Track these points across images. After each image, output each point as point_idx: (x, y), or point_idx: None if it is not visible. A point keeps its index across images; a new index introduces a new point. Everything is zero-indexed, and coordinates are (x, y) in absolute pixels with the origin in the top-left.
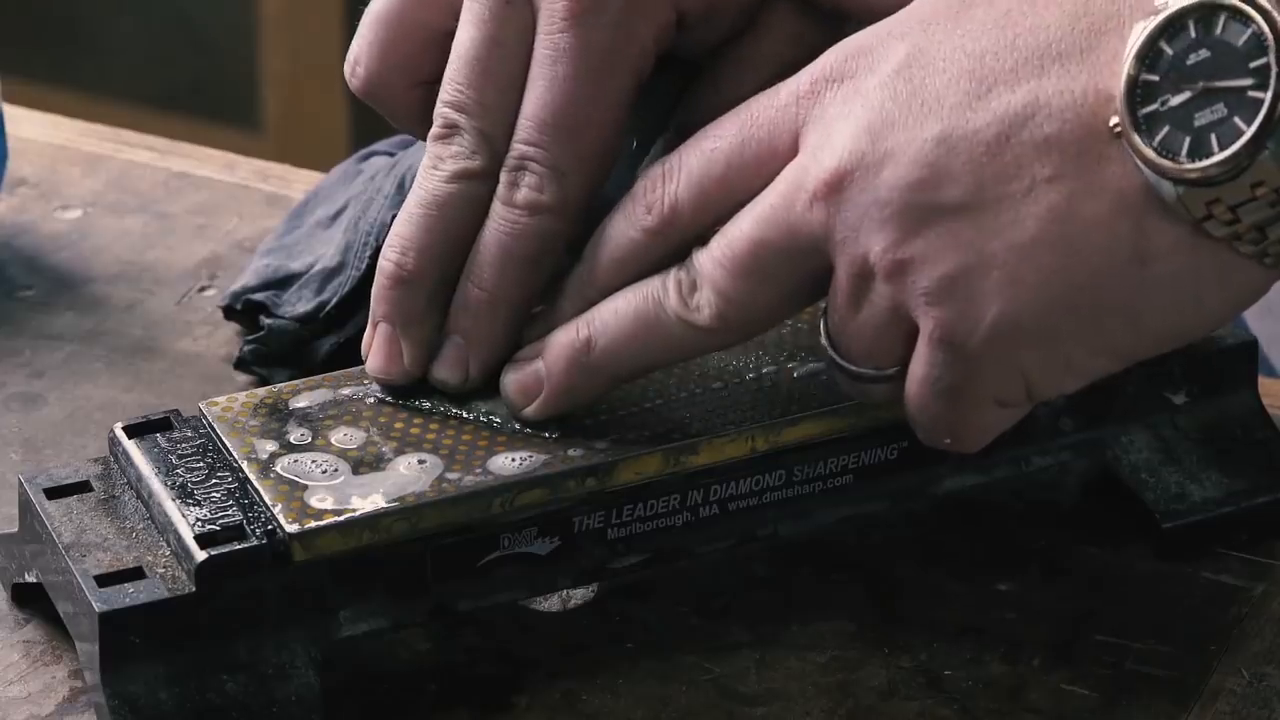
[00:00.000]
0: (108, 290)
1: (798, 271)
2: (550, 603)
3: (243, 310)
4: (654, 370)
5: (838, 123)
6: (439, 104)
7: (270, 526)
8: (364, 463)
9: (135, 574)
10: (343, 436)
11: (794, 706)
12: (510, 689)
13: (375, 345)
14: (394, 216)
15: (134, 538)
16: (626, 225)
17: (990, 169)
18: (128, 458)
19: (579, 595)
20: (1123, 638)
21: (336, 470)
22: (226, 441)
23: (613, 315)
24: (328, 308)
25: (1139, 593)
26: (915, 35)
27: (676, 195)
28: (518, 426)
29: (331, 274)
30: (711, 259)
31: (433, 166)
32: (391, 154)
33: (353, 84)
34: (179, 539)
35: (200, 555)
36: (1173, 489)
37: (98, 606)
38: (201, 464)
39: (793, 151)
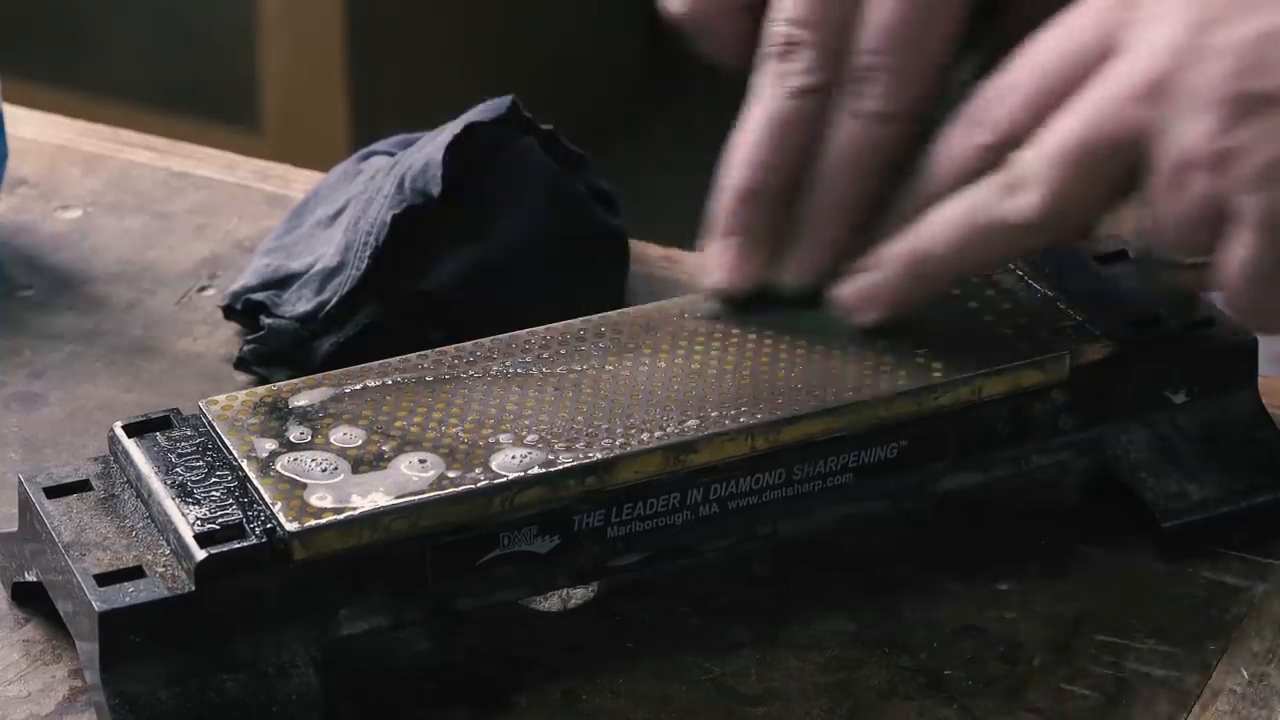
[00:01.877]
0: (108, 290)
1: (1120, 166)
2: (550, 602)
3: (243, 310)
4: (988, 270)
5: (1157, 22)
6: (777, 22)
7: (270, 525)
8: (364, 461)
9: (135, 573)
10: (342, 435)
11: (794, 706)
12: (510, 689)
13: (724, 259)
14: (394, 216)
15: (134, 537)
16: (964, 141)
17: None
18: (127, 456)
19: (579, 595)
20: (1123, 638)
21: (336, 469)
22: (226, 440)
23: (944, 224)
24: (328, 307)
25: (1139, 593)
26: None
27: (1013, 113)
28: (847, 334)
29: (331, 274)
30: (1037, 158)
31: (775, 83)
32: (391, 154)
33: (673, 6)
34: (179, 538)
35: (200, 554)
36: (1173, 488)
37: (97, 605)
38: (201, 463)
39: (1114, 53)
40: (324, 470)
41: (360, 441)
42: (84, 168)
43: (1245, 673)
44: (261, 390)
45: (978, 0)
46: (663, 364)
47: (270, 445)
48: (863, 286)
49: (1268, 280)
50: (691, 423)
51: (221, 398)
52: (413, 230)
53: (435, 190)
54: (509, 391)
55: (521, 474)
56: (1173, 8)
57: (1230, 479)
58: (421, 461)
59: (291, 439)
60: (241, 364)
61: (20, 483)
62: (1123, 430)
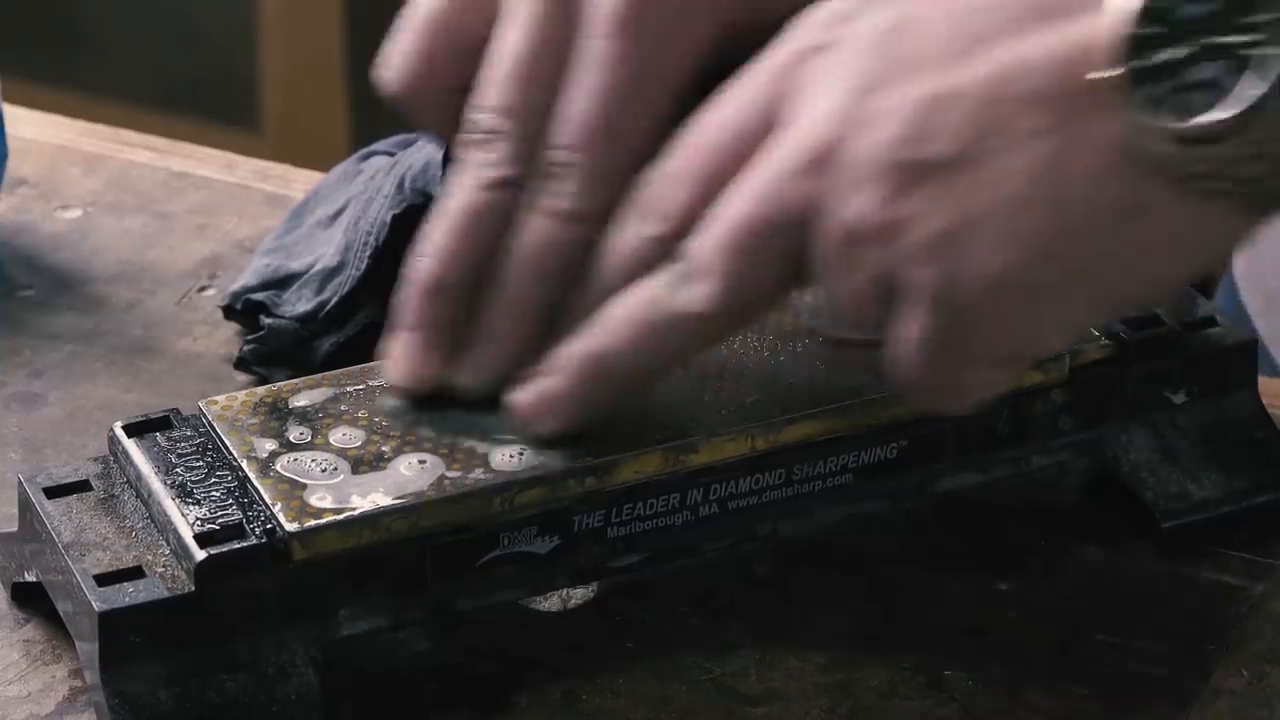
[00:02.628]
0: (108, 290)
1: (791, 245)
2: (550, 602)
3: (243, 310)
4: (662, 373)
5: (818, 90)
6: (478, 109)
7: (270, 525)
8: (364, 461)
9: (135, 573)
10: (342, 435)
11: (794, 706)
12: (510, 689)
13: (402, 353)
14: (394, 216)
15: (133, 537)
16: (634, 233)
17: (978, 125)
18: (127, 457)
19: (579, 595)
20: (1123, 638)
21: (336, 469)
22: (226, 440)
23: (618, 322)
24: (328, 307)
25: (1139, 593)
26: (900, 3)
27: (680, 198)
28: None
29: (331, 274)
30: (704, 246)
31: (471, 174)
32: (391, 154)
33: (386, 85)
34: (178, 538)
35: (200, 554)
36: (1172, 488)
37: (97, 606)
38: (201, 463)
39: (778, 125)
40: (324, 470)
41: (360, 442)
42: (84, 168)
43: (1245, 673)
44: (261, 390)
45: (692, 89)
46: None
47: (270, 445)
48: (539, 393)
49: (941, 358)
50: (691, 423)
51: (221, 398)
52: (413, 230)
53: (435, 190)
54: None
55: (521, 474)
56: (834, 75)
57: (1230, 479)
58: (421, 462)
59: (291, 439)
60: (241, 364)
61: (20, 483)
62: (1122, 430)
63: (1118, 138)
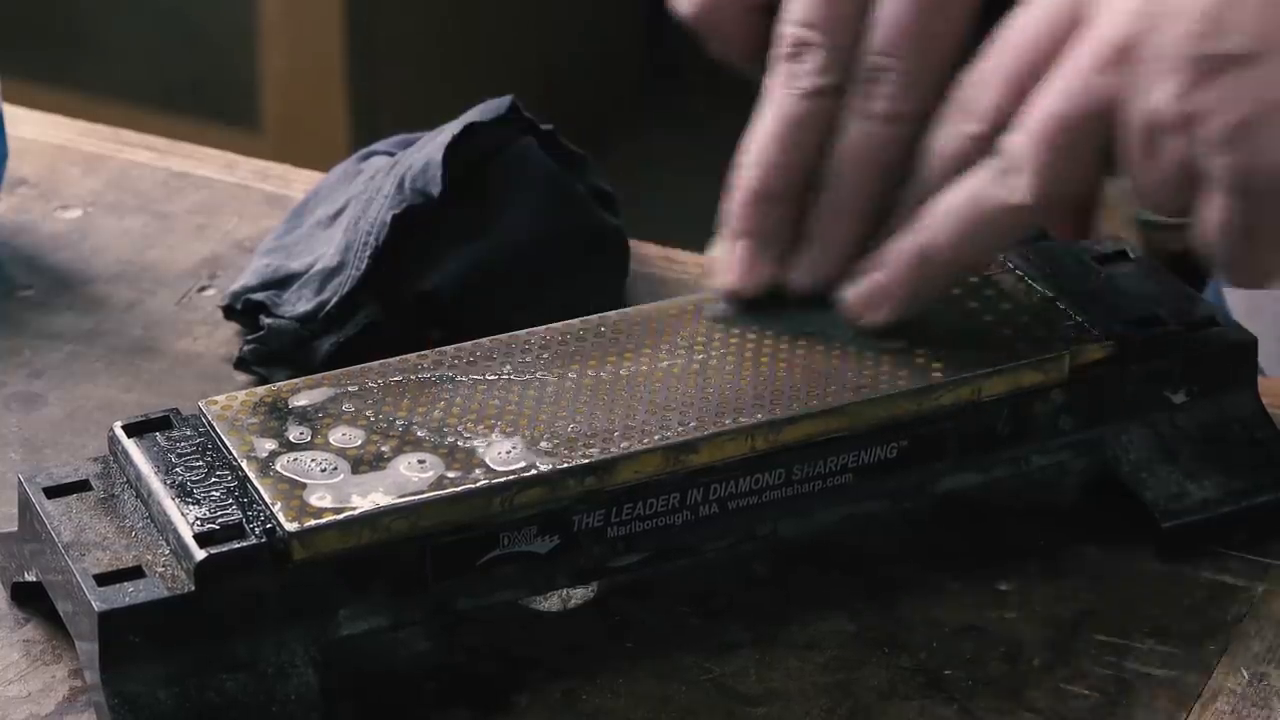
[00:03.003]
0: (108, 290)
1: (1100, 137)
2: (550, 602)
3: (242, 310)
4: (985, 263)
5: None
6: (788, 24)
7: (270, 525)
8: (363, 461)
9: (134, 573)
10: (342, 435)
11: (794, 706)
12: (510, 689)
13: (735, 260)
14: (394, 216)
15: (133, 537)
16: (954, 132)
17: (1272, 17)
18: (127, 456)
19: (579, 595)
20: (1123, 638)
21: (336, 469)
22: (226, 440)
23: (944, 217)
24: (328, 307)
25: (1139, 593)
26: None
27: (995, 98)
28: (847, 334)
29: (331, 273)
30: (1021, 141)
31: (786, 85)
32: (391, 154)
33: (682, 7)
34: (178, 538)
35: (200, 554)
36: (1172, 488)
37: (97, 606)
38: (201, 463)
39: (1081, 24)
40: (324, 470)
41: (360, 442)
42: (84, 168)
43: (1245, 673)
44: (261, 390)
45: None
46: (663, 364)
47: (270, 445)
48: (868, 287)
49: (1246, 238)
50: (691, 423)
51: (221, 398)
52: (413, 230)
53: (435, 190)
54: (509, 392)
55: (521, 474)
56: None
57: (1230, 479)
58: (421, 462)
59: (291, 439)
60: (241, 364)
61: (20, 483)
62: (1122, 430)
63: None
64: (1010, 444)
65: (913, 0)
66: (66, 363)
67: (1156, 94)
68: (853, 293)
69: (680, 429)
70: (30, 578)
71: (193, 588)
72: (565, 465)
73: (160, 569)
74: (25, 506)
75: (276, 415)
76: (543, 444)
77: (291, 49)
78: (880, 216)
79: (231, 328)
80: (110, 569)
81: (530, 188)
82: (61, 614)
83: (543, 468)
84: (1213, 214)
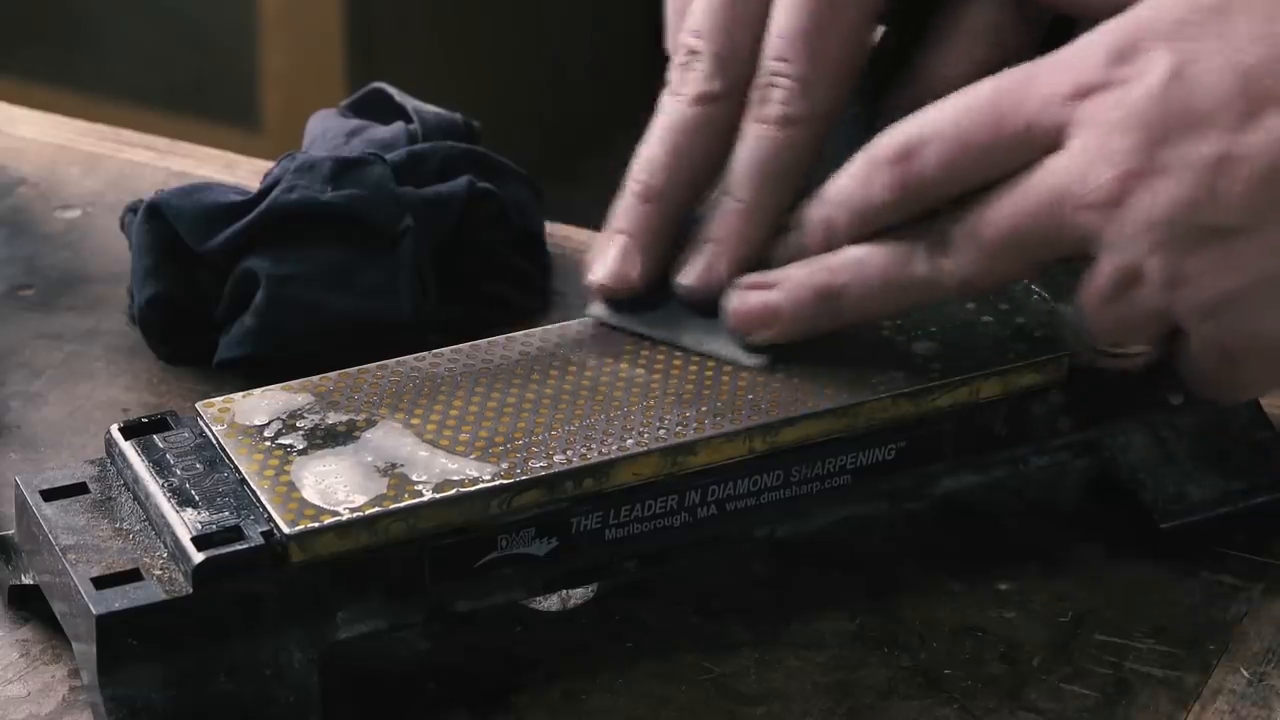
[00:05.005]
0: (107, 290)
1: (1053, 255)
2: (550, 602)
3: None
4: (891, 318)
5: (1112, 132)
6: (681, 32)
7: (268, 527)
8: (362, 463)
9: (132, 575)
10: (340, 437)
11: (794, 706)
12: (510, 689)
13: (610, 256)
14: (332, 162)
15: (131, 539)
16: (871, 178)
17: (1263, 193)
18: (124, 459)
19: (579, 595)
20: (1123, 638)
21: (334, 470)
22: (223, 442)
23: (858, 266)
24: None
25: (1139, 593)
26: (1177, 41)
27: (927, 160)
28: (726, 356)
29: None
30: (968, 234)
31: (674, 92)
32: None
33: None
34: (176, 540)
35: (198, 556)
36: (1170, 489)
37: (95, 609)
38: (199, 465)
39: (1054, 145)
40: (322, 472)
41: (359, 443)
42: (84, 167)
43: (1245, 673)
44: (258, 392)
45: (892, 6)
46: (660, 366)
47: (268, 447)
48: (760, 304)
49: (1223, 385)
50: (689, 425)
51: (219, 399)
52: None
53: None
54: (507, 393)
55: (519, 476)
56: (1121, 119)
57: (1228, 480)
58: (419, 463)
59: (289, 441)
60: (227, 363)
61: (17, 485)
62: (1120, 431)
63: None
64: (1009, 445)
65: (806, 6)
66: (66, 363)
67: (1144, 251)
68: (741, 304)
69: (678, 431)
70: (28, 580)
71: (190, 590)
72: (563, 467)
73: (158, 571)
74: (22, 509)
75: (274, 417)
76: (541, 446)
77: (291, 48)
78: (777, 225)
79: None
80: (108, 572)
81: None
82: (59, 616)
83: (540, 470)
84: (1192, 364)
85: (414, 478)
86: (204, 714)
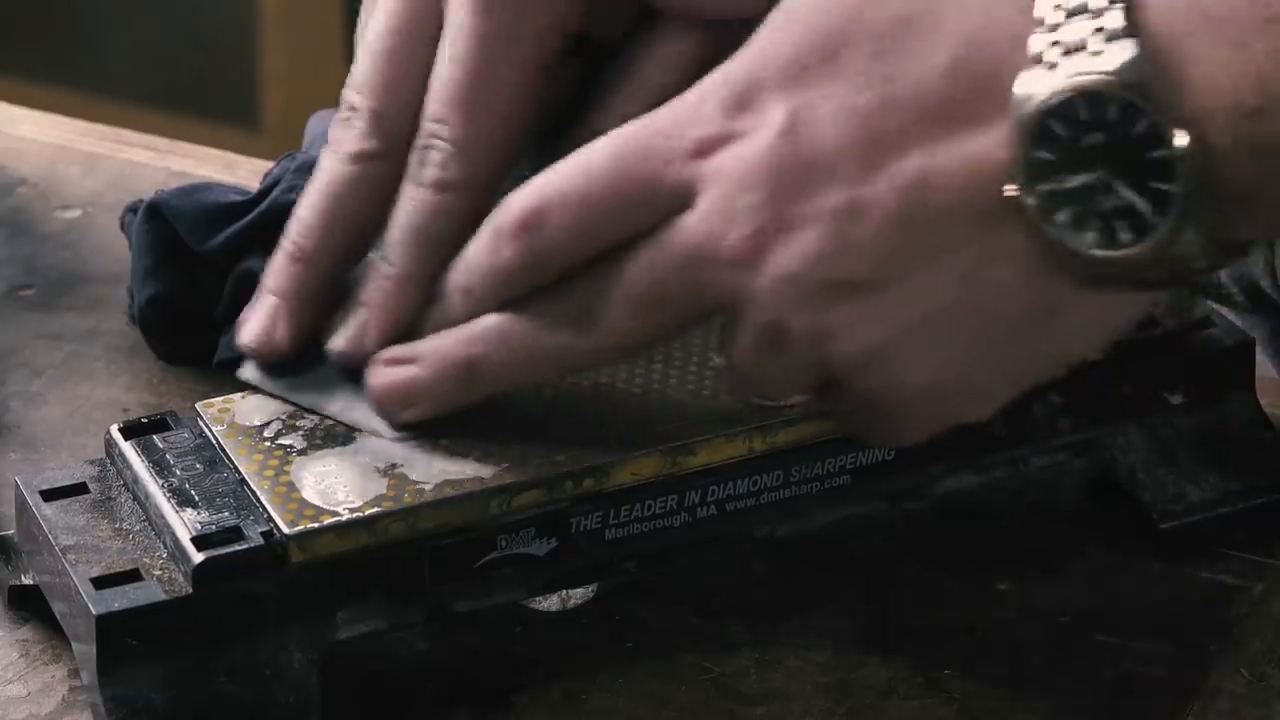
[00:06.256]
0: (107, 290)
1: (698, 312)
2: (550, 602)
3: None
4: (534, 384)
5: (738, 189)
6: (346, 88)
7: (268, 528)
8: (361, 464)
9: (132, 576)
10: (340, 438)
11: (794, 706)
12: (510, 689)
13: (256, 315)
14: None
15: (130, 539)
16: (499, 248)
17: (895, 241)
18: (124, 459)
19: (579, 595)
20: (1123, 638)
21: (334, 471)
22: (223, 442)
23: (497, 336)
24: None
25: (1139, 593)
26: (793, 87)
27: (552, 226)
28: (370, 429)
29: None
30: (606, 299)
31: (332, 150)
32: None
33: None
34: (176, 540)
35: (198, 557)
36: (1170, 489)
37: (94, 609)
38: (198, 465)
39: (683, 203)
40: (322, 472)
41: (358, 444)
42: (84, 167)
43: (1245, 673)
44: (258, 392)
45: (561, 62)
46: (659, 365)
47: (267, 447)
48: (404, 381)
49: (881, 433)
50: (689, 425)
51: (219, 399)
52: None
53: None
54: (507, 393)
55: (519, 476)
56: (752, 171)
57: (1228, 480)
58: (419, 464)
59: (289, 441)
60: (226, 364)
61: (17, 485)
62: (1120, 431)
63: (1033, 250)
64: (1009, 445)
65: (464, 67)
66: (66, 362)
67: (785, 308)
68: (384, 382)
69: (678, 431)
70: (27, 580)
71: (190, 590)
72: (563, 467)
73: (158, 572)
74: (22, 509)
75: (274, 417)
76: (540, 446)
77: (291, 48)
78: (430, 293)
79: None
80: (107, 572)
81: None
82: (58, 616)
83: (540, 470)
84: (846, 413)
85: (414, 478)
86: (204, 714)
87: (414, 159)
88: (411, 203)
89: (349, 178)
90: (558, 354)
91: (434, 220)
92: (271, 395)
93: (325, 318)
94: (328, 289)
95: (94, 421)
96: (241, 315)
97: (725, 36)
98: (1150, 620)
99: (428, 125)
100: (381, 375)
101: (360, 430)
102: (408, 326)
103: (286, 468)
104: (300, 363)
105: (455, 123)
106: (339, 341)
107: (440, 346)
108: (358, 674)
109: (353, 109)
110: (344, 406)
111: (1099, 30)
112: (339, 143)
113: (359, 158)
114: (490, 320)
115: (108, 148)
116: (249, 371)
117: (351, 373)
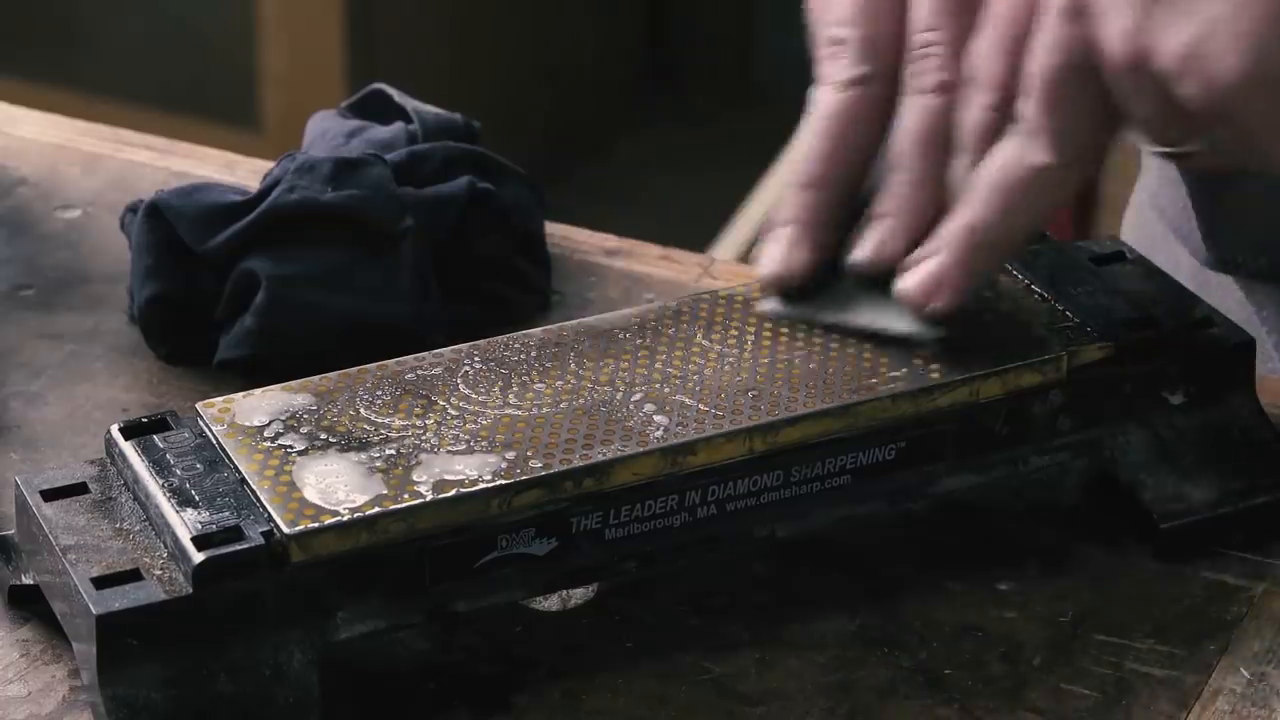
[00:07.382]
0: (107, 290)
1: (1092, 84)
2: (550, 602)
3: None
4: (1035, 232)
5: None
6: (824, 26)
7: (268, 528)
8: (362, 463)
9: (132, 576)
10: (340, 437)
11: (794, 706)
12: (510, 689)
13: (778, 246)
14: (332, 163)
15: (131, 539)
16: (976, 103)
17: None
18: (124, 459)
19: (579, 595)
20: (1123, 638)
21: (334, 470)
22: (223, 442)
23: (984, 191)
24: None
25: (1139, 593)
26: None
27: (1000, 67)
28: (903, 331)
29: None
30: (1026, 105)
31: (824, 82)
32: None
33: None
34: (176, 540)
35: (198, 557)
36: (1170, 489)
37: (95, 609)
38: (199, 465)
39: None
40: (322, 472)
41: (358, 443)
42: (84, 167)
43: (1245, 673)
44: (258, 392)
45: None
46: (659, 366)
47: (267, 447)
48: (928, 272)
49: (1246, 150)
50: (689, 425)
51: (219, 399)
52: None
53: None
54: (507, 393)
55: (519, 476)
56: None
57: (1228, 480)
58: (419, 463)
59: (289, 441)
60: (227, 364)
61: (17, 485)
62: (1120, 431)
63: None
64: (1008, 445)
65: None
66: (66, 363)
67: (1113, 34)
68: (913, 280)
69: (678, 430)
70: (28, 580)
71: (190, 590)
72: (563, 467)
73: (158, 572)
74: (22, 509)
75: (274, 417)
76: (540, 446)
77: (291, 49)
78: (942, 193)
79: None
80: (108, 572)
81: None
82: (59, 616)
83: (540, 470)
84: (1205, 142)
85: (414, 478)
86: (204, 714)
87: (911, 70)
88: (919, 109)
89: (846, 103)
90: (1027, 179)
91: (940, 122)
92: (797, 320)
93: (838, 240)
94: (839, 212)
95: (94, 421)
96: (756, 253)
97: None
98: (1150, 620)
99: (921, 35)
100: (914, 273)
101: (893, 334)
102: (926, 229)
103: (287, 467)
104: (816, 287)
105: (947, 26)
106: (864, 252)
107: (946, 228)
108: (358, 674)
109: (839, 42)
110: (872, 316)
111: None
112: (830, 75)
113: (853, 83)
114: (975, 180)
115: (108, 148)
116: (767, 304)
117: (867, 285)
